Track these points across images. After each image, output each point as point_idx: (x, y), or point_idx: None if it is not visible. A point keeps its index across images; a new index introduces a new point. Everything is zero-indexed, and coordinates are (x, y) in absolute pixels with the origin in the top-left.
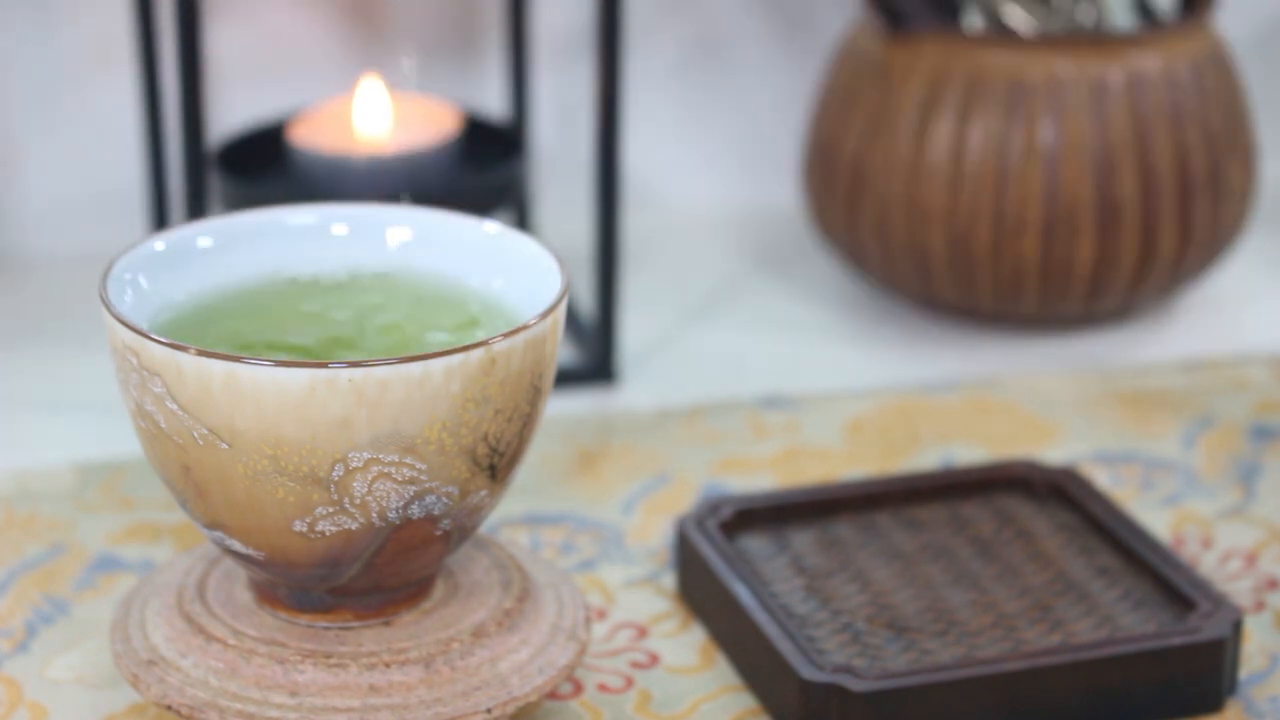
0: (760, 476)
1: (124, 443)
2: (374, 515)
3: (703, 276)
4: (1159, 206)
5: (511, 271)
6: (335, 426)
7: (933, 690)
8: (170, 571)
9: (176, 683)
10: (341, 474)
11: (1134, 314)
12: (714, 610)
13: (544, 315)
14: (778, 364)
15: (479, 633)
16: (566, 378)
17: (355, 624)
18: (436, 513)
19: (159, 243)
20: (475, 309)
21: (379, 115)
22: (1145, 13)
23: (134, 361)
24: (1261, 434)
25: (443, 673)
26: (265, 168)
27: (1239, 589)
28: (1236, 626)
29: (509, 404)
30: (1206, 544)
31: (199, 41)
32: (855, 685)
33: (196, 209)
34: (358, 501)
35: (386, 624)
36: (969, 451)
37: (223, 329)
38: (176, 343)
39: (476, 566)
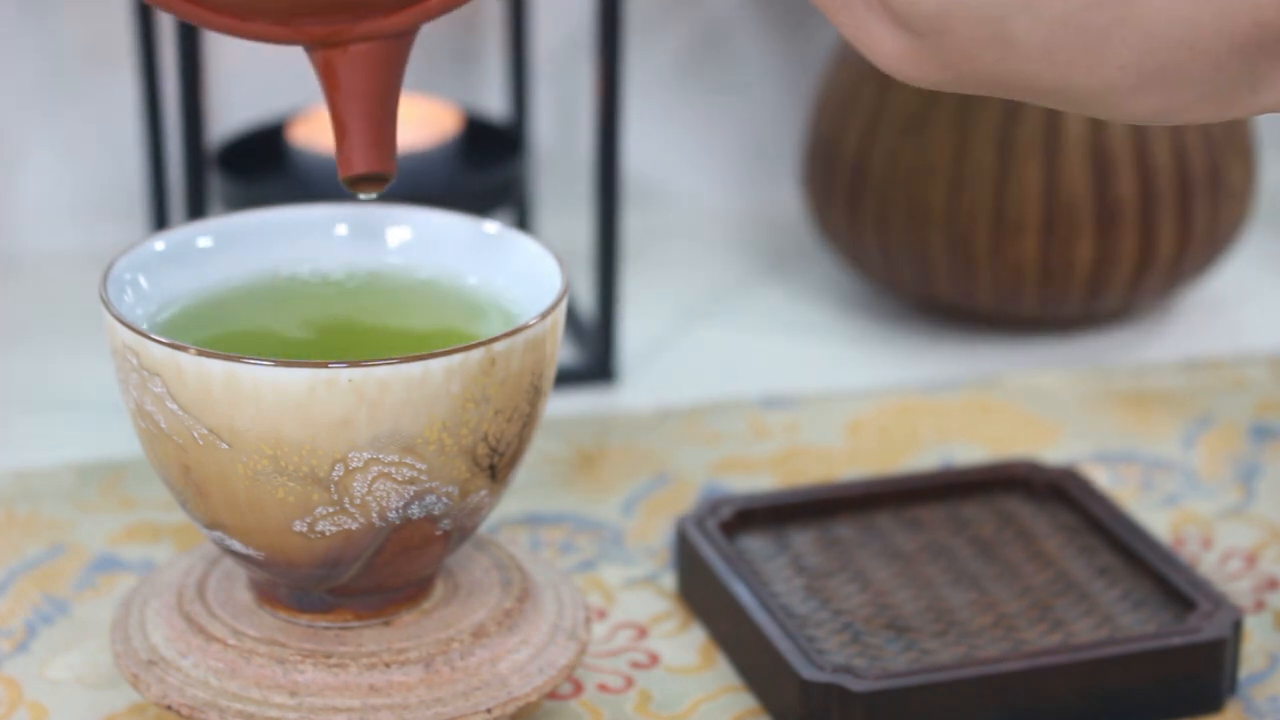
0: (760, 476)
1: (124, 443)
2: (374, 515)
3: (703, 276)
4: (1158, 206)
5: (511, 271)
6: (335, 426)
7: (933, 690)
8: (170, 571)
9: (176, 683)
10: (341, 474)
11: (1134, 314)
12: (714, 610)
13: (544, 315)
14: (778, 364)
15: (479, 633)
16: (566, 378)
17: (355, 624)
18: (436, 513)
19: (159, 243)
20: (475, 309)
21: None
22: None
23: (134, 361)
24: (1261, 434)
25: (443, 673)
26: (265, 168)
27: (1239, 589)
28: (1236, 626)
29: (509, 404)
30: (1206, 544)
31: (199, 41)
32: (855, 685)
33: (196, 209)
34: (358, 501)
35: (386, 624)
36: (969, 451)
37: (222, 329)
38: (176, 343)
39: (476, 566)
